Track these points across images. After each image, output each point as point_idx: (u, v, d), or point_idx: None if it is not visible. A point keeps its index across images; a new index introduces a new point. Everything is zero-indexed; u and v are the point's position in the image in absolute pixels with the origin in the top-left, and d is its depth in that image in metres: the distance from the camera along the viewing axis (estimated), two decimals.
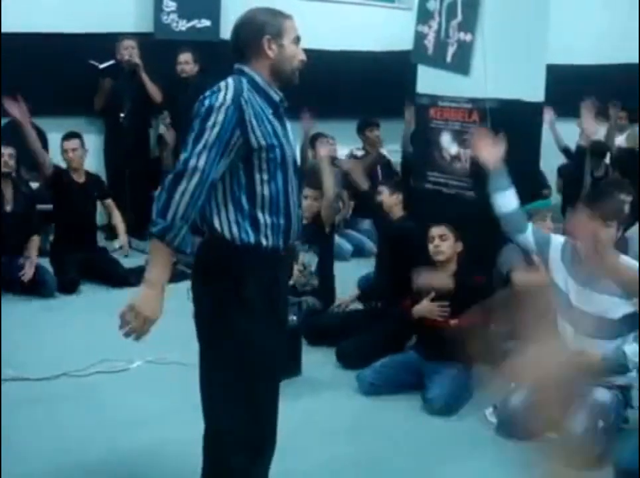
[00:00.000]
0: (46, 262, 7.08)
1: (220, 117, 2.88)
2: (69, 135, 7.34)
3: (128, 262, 7.52)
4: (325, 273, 6.07)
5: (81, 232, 7.32)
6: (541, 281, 4.94)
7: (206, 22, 9.15)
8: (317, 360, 5.34)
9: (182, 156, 2.90)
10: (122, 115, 8.27)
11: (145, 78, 8.38)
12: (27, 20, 8.20)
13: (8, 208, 6.86)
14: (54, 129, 8.13)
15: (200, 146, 2.87)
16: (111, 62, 8.42)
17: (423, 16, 6.26)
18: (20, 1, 8.22)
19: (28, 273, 6.70)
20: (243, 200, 2.98)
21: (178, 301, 6.23)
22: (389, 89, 9.15)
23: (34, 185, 7.75)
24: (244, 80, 3.03)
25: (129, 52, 8.38)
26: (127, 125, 8.29)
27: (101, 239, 7.97)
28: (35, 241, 6.98)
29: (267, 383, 3.14)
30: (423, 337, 5.11)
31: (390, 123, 9.39)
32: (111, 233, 8.26)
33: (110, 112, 8.46)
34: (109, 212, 7.67)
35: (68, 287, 6.88)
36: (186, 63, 8.56)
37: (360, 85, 9.51)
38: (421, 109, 6.30)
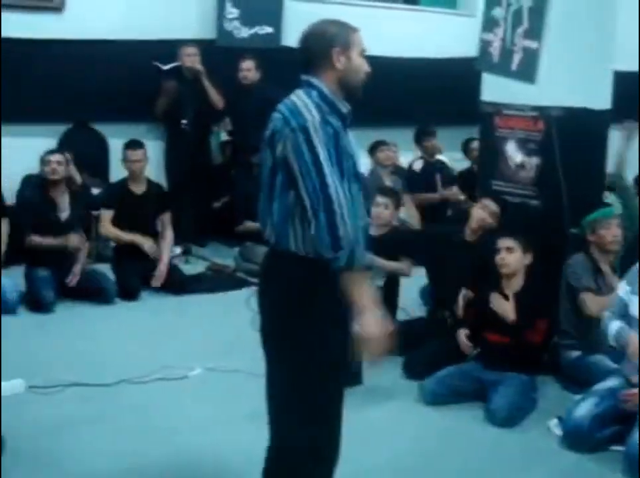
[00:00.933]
0: (107, 269, 7.16)
1: (320, 133, 2.89)
2: (134, 145, 7.38)
3: (189, 269, 7.58)
4: (389, 284, 6.04)
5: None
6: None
7: (268, 29, 9.18)
8: (383, 371, 5.31)
9: (313, 182, 2.86)
10: (184, 121, 8.32)
11: (206, 84, 8.42)
12: (90, 27, 8.30)
13: (63, 215, 6.89)
14: (116, 136, 8.23)
15: (324, 168, 2.86)
16: (175, 64, 8.47)
17: (489, 23, 6.22)
18: (83, 8, 8.33)
19: (74, 278, 6.77)
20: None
21: (238, 309, 6.32)
22: (451, 97, 9.11)
23: (95, 191, 7.84)
24: (314, 93, 3.04)
25: (191, 58, 8.43)
26: (188, 131, 8.34)
27: None
28: (85, 247, 7.01)
29: (336, 392, 3.15)
30: (487, 348, 5.06)
31: (452, 130, 9.36)
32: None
33: (171, 119, 8.51)
34: (163, 227, 7.45)
35: (129, 293, 6.93)
36: (248, 70, 8.59)
37: (422, 93, 9.47)
38: (486, 118, 6.26)
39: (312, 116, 2.92)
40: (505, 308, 5.00)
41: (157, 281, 7.11)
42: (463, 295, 5.44)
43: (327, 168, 2.87)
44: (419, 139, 9.21)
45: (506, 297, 5.06)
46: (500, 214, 5.78)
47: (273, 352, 3.13)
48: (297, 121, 2.92)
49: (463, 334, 5.25)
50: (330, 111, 3.02)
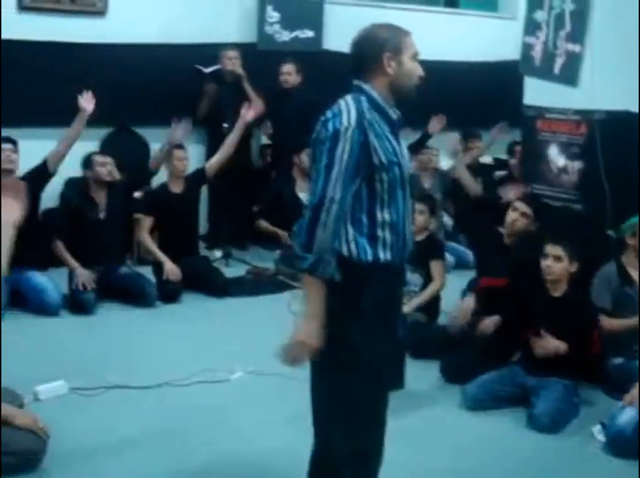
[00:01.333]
0: (148, 271, 7.20)
1: (348, 143, 2.91)
2: (177, 145, 7.45)
3: (230, 272, 7.61)
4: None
5: (182, 242, 7.40)
6: (631, 325, 4.92)
7: (308, 33, 9.21)
8: (421, 374, 5.31)
9: (317, 186, 2.93)
10: (224, 125, 8.36)
11: (247, 88, 8.45)
12: (133, 31, 8.38)
13: (101, 215, 6.97)
14: (158, 139, 8.27)
15: (333, 175, 2.90)
16: (216, 66, 8.52)
17: (531, 27, 6.21)
18: (125, 12, 8.41)
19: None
20: (364, 219, 3.01)
21: (279, 312, 6.35)
22: (493, 100, 9.08)
23: (137, 194, 7.89)
24: (363, 99, 3.05)
25: (232, 62, 8.47)
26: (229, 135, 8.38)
27: (202, 249, 8.04)
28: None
29: (380, 396, 3.17)
30: (529, 352, 5.04)
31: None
32: (212, 242, 8.38)
33: (213, 122, 8.56)
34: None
35: (170, 296, 6.97)
36: (289, 74, 8.63)
37: (464, 96, 9.44)
38: (529, 121, 6.24)
39: (349, 123, 2.94)
40: (551, 346, 4.94)
41: None
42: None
43: (335, 177, 2.90)
44: (464, 142, 9.16)
45: (550, 300, 5.03)
46: (533, 215, 5.75)
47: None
48: (332, 125, 2.95)
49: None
50: (380, 117, 3.04)
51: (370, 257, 3.01)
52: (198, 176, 7.61)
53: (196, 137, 8.81)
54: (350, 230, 3.00)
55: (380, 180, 3.00)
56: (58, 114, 7.94)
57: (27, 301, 6.57)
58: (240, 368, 5.37)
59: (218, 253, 8.17)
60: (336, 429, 3.10)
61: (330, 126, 2.96)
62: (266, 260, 8.21)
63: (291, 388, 4.52)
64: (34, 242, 6.65)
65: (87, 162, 7.05)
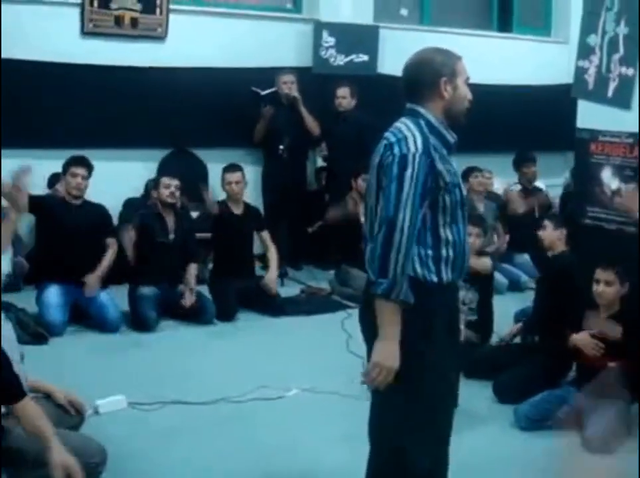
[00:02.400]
0: (205, 290, 7.24)
1: (416, 167, 2.91)
2: (232, 168, 7.48)
3: (285, 292, 7.65)
4: (484, 309, 6.01)
5: (239, 261, 7.44)
6: None
7: (363, 57, 9.25)
8: (474, 393, 5.27)
9: (388, 211, 2.91)
10: (280, 147, 8.41)
11: (303, 111, 8.51)
12: (191, 55, 8.49)
13: (170, 236, 7.05)
14: (214, 160, 8.36)
15: (404, 198, 2.89)
16: (273, 89, 8.59)
17: (584, 51, 6.19)
18: (184, 37, 8.53)
19: (189, 299, 6.88)
20: (429, 240, 3.02)
21: (333, 332, 6.36)
22: (545, 123, 9.05)
23: (194, 214, 7.96)
24: (422, 122, 3.06)
25: (288, 86, 8.54)
26: (285, 157, 8.43)
27: (258, 269, 8.08)
28: (194, 268, 7.10)
29: (449, 414, 3.18)
30: (583, 373, 5.00)
31: (547, 156, 9.28)
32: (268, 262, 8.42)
33: (269, 144, 8.62)
34: (265, 245, 7.69)
35: (227, 314, 7.01)
36: (344, 97, 8.67)
37: (517, 119, 9.43)
38: (582, 144, 6.21)
39: (415, 148, 2.94)
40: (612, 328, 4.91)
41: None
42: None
43: (404, 202, 2.89)
44: (518, 165, 9.12)
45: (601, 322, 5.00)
46: (567, 236, 5.79)
47: None
48: (399, 149, 2.95)
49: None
50: (438, 141, 3.05)
51: (435, 278, 3.03)
52: (256, 216, 7.75)
53: (253, 159, 8.89)
54: (417, 251, 2.99)
55: (443, 202, 3.01)
56: (119, 135, 8.10)
57: (89, 317, 6.67)
58: (295, 386, 5.38)
59: None
60: (405, 447, 3.08)
61: (396, 151, 2.96)
62: (320, 280, 8.25)
63: (345, 405, 4.55)
64: (97, 261, 6.77)
65: (155, 184, 7.21)
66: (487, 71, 9.14)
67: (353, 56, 9.22)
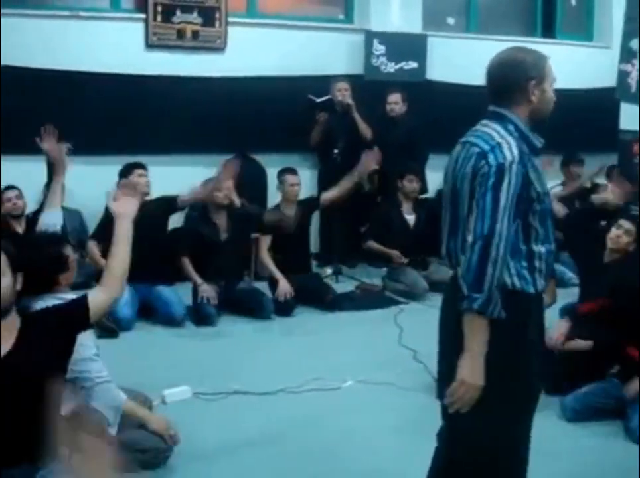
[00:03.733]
0: (264, 286, 7.29)
1: (513, 177, 2.71)
2: (290, 170, 7.53)
3: (340, 288, 7.66)
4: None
5: (296, 258, 7.48)
6: None
7: (412, 64, 9.22)
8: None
9: (483, 222, 2.71)
10: (335, 151, 8.43)
11: (356, 117, 8.52)
12: (249, 65, 8.57)
13: (222, 237, 7.08)
14: (271, 165, 8.40)
15: (500, 210, 2.69)
16: (328, 96, 8.61)
17: (626, 55, 6.15)
18: (243, 48, 8.60)
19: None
20: (523, 250, 2.83)
21: (387, 326, 6.36)
22: (590, 125, 8.94)
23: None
24: (511, 127, 2.85)
25: (342, 92, 8.55)
26: (340, 161, 8.44)
27: (314, 266, 8.12)
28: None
29: (525, 423, 3.08)
30: (627, 365, 4.94)
31: (592, 158, 9.17)
32: (323, 259, 8.45)
33: (324, 148, 8.64)
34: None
35: (285, 310, 7.03)
36: (396, 103, 8.65)
37: (563, 122, 9.29)
38: (625, 145, 6.15)
39: (512, 156, 2.74)
40: None
41: None
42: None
43: (501, 213, 2.69)
44: (566, 164, 9.02)
45: None
46: (636, 233, 5.63)
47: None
48: (495, 158, 2.74)
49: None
50: (527, 147, 2.84)
51: (532, 289, 2.86)
52: (312, 203, 7.68)
53: (309, 163, 8.94)
54: (512, 263, 2.81)
55: (534, 211, 2.81)
56: (182, 141, 8.18)
57: (156, 313, 6.76)
58: (350, 378, 5.38)
59: (329, 270, 8.24)
60: (487, 452, 2.95)
61: (492, 160, 2.74)
62: (374, 277, 8.25)
63: (399, 397, 4.54)
64: (163, 260, 6.85)
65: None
66: None
67: (403, 64, 9.19)
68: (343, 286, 7.87)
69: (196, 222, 7.32)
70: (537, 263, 2.86)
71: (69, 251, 3.87)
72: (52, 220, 4.30)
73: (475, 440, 2.94)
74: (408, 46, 9.20)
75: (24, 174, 7.36)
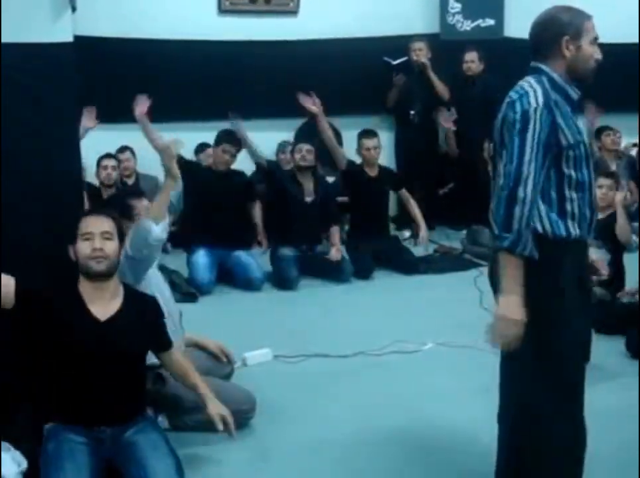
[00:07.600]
0: (342, 250, 7.31)
1: (538, 122, 2.86)
2: (369, 133, 7.49)
3: (417, 250, 7.67)
4: (616, 267, 5.91)
5: (374, 222, 7.52)
6: None
7: (490, 22, 9.13)
8: (605, 349, 5.17)
9: (511, 166, 2.86)
10: (412, 112, 8.40)
11: (432, 76, 8.48)
12: (323, 28, 8.61)
13: (308, 199, 7.17)
14: (348, 128, 8.41)
15: (527, 153, 2.84)
16: (404, 58, 8.58)
17: None
18: (316, 10, 8.66)
19: (335, 255, 6.99)
20: (553, 195, 2.94)
21: (466, 289, 6.36)
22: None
23: (330, 179, 8.04)
24: (545, 79, 2.98)
25: (417, 53, 8.53)
26: (417, 122, 8.42)
27: (392, 229, 8.15)
28: (335, 230, 7.22)
29: (580, 371, 3.11)
30: None
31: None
32: (402, 223, 8.45)
33: (401, 110, 8.64)
34: (404, 202, 7.73)
35: (363, 273, 7.07)
36: (472, 61, 8.59)
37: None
38: None
39: (537, 103, 2.87)
40: None
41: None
42: None
43: (528, 156, 2.84)
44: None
45: None
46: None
47: None
48: (521, 106, 2.89)
49: None
50: (561, 97, 2.97)
51: (563, 232, 2.94)
52: (391, 176, 7.77)
53: (386, 125, 8.92)
54: (542, 207, 2.93)
55: (567, 158, 2.92)
56: (257, 106, 8.23)
57: (234, 278, 6.86)
58: (431, 340, 5.41)
59: (407, 233, 8.26)
60: (536, 405, 3.02)
61: (518, 107, 2.89)
62: (452, 239, 8.26)
63: (479, 359, 4.52)
64: (242, 226, 6.97)
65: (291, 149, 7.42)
66: (612, 30, 8.86)
67: (479, 21, 9.11)
68: (421, 249, 7.87)
69: (284, 181, 7.37)
70: (568, 207, 2.96)
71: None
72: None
73: (523, 392, 3.05)
74: (485, 3, 9.12)
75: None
